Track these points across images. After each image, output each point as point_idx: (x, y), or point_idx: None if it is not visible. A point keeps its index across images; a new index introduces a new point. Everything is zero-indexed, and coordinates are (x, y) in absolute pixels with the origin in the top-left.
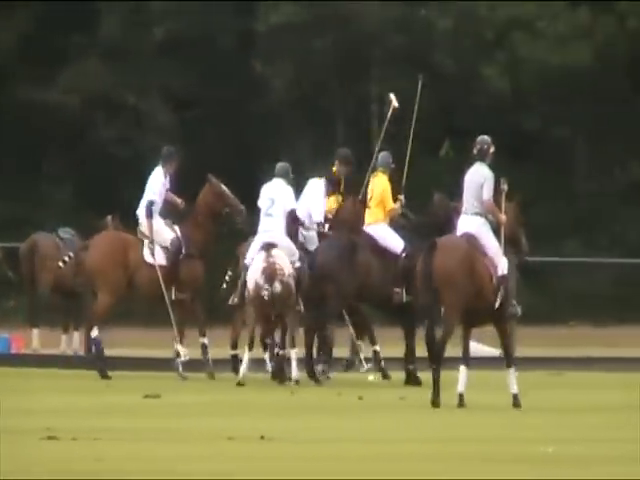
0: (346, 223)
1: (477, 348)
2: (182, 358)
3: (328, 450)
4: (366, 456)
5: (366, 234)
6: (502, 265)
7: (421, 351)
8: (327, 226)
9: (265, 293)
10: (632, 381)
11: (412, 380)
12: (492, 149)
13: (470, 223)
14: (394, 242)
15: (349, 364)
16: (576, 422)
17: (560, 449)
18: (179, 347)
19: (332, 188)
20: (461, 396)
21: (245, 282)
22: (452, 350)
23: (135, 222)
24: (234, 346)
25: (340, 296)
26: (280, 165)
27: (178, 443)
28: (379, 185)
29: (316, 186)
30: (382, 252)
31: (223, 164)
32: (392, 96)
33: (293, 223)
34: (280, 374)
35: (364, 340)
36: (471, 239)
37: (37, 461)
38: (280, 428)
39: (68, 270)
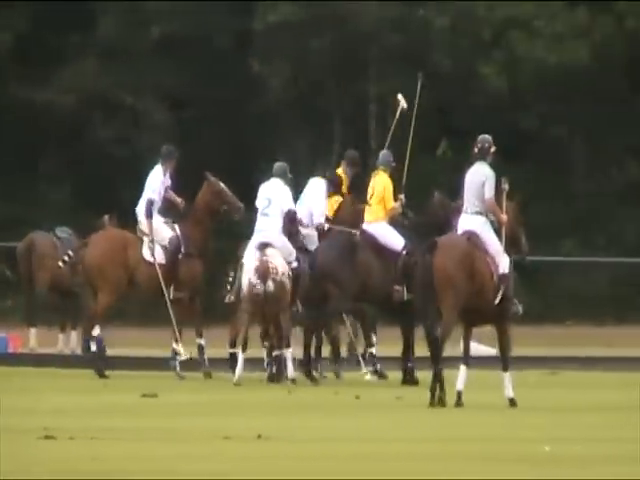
0: (346, 223)
1: (476, 348)
2: (181, 357)
3: (325, 449)
4: (363, 455)
5: (366, 233)
6: (503, 264)
7: (420, 350)
8: (326, 226)
9: (258, 291)
10: (630, 381)
11: (409, 379)
12: (493, 148)
13: (471, 222)
14: (394, 240)
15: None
16: (575, 421)
17: (559, 449)
18: (178, 346)
19: (333, 189)
20: (459, 393)
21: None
22: (452, 350)
23: (132, 221)
24: (232, 344)
25: (341, 296)
26: (278, 165)
27: (175, 442)
28: (380, 183)
29: (317, 186)
30: (382, 250)
31: (220, 164)
32: (400, 97)
33: (290, 223)
34: (278, 374)
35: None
36: (472, 237)
37: (35, 461)
38: (277, 427)
39: (66, 269)
